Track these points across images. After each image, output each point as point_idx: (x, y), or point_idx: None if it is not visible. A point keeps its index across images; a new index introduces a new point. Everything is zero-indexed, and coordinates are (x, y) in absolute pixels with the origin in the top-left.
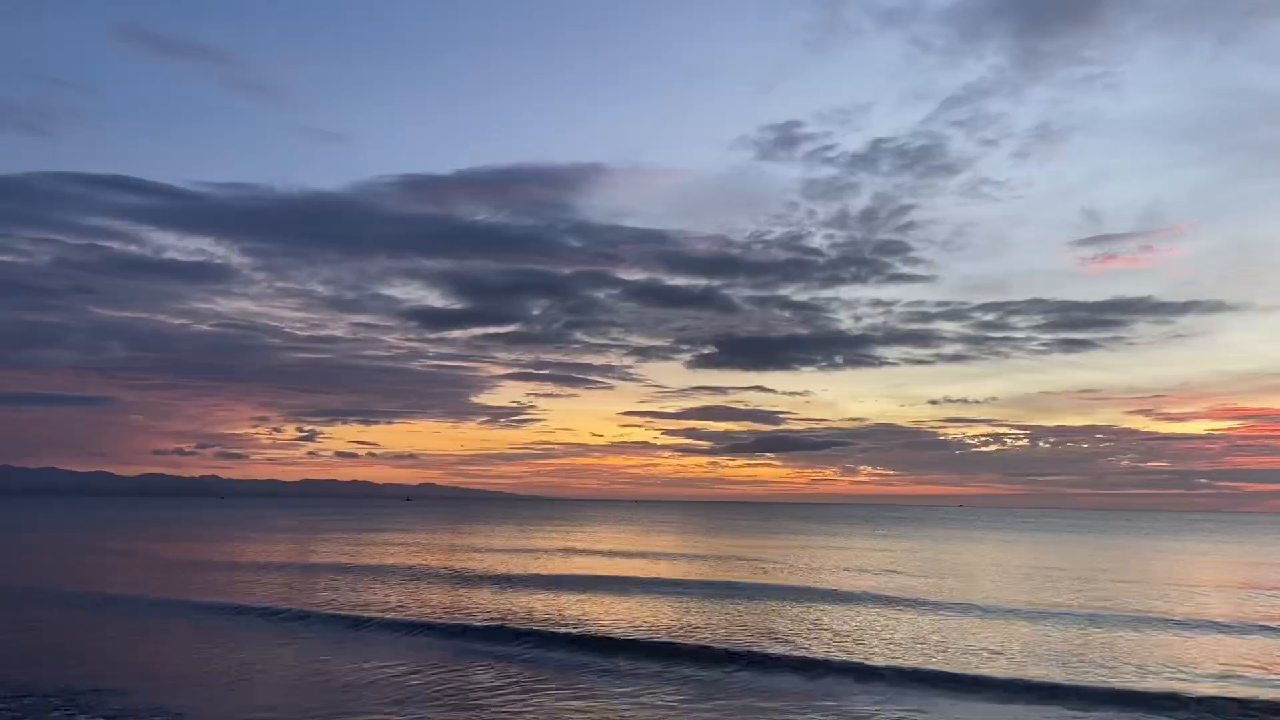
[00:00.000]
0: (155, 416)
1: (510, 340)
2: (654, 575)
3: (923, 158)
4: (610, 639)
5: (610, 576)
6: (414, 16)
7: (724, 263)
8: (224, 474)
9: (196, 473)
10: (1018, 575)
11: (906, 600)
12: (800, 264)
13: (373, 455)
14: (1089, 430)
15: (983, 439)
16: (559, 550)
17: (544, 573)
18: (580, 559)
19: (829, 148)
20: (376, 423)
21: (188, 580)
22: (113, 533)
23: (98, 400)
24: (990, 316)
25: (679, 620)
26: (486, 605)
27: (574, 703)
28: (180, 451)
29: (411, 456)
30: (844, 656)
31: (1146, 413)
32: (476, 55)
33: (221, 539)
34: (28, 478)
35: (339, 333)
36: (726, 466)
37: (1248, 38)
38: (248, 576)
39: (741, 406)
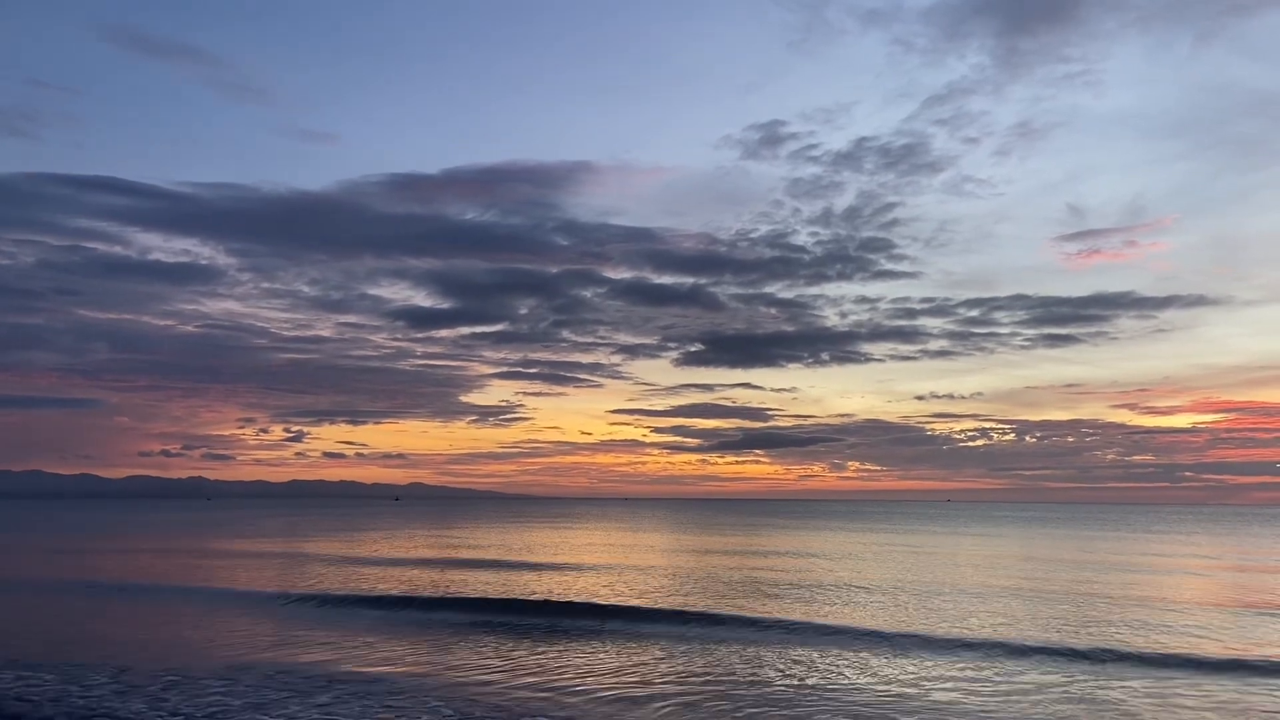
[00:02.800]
0: (141, 418)
1: (498, 339)
2: (618, 599)
3: (906, 156)
4: None
5: (565, 603)
6: (400, 17)
7: (710, 260)
8: (211, 475)
9: (183, 474)
10: (1019, 594)
11: (913, 637)
12: (786, 261)
13: (360, 455)
14: (1074, 424)
15: (969, 434)
16: (525, 565)
17: (495, 595)
18: (542, 577)
19: (813, 147)
20: (364, 423)
21: None
22: None
23: (82, 402)
24: (975, 312)
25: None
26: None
27: None
28: (166, 453)
29: (400, 456)
30: None
31: (1131, 406)
32: (463, 55)
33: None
34: (12, 481)
35: (326, 333)
36: (715, 463)
37: (1226, 35)
38: None
39: (729, 403)
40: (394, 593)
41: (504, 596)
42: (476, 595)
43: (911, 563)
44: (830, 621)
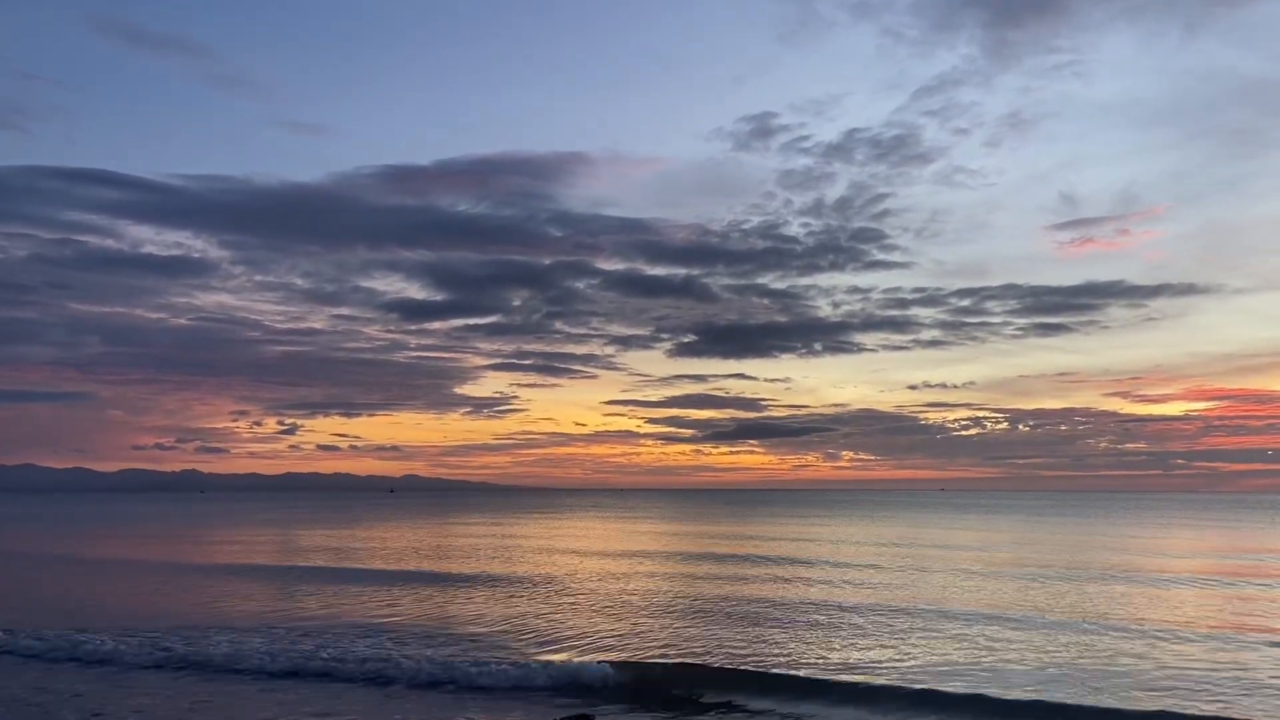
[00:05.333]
0: (134, 412)
1: (491, 331)
2: (581, 632)
3: (897, 147)
4: None
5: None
6: (392, 8)
7: (702, 252)
8: (205, 468)
9: (177, 467)
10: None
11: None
12: (778, 252)
13: (354, 448)
14: (1067, 413)
15: (963, 423)
16: (483, 580)
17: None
18: (501, 605)
19: (804, 138)
20: (358, 415)
21: None
22: None
23: (75, 396)
24: (966, 302)
25: None
26: None
27: None
28: (160, 446)
29: (394, 448)
30: None
31: (1124, 395)
32: (455, 46)
33: None
34: (3, 476)
35: (319, 325)
36: (709, 454)
37: (1216, 25)
38: None
39: (723, 394)
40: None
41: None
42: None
43: (916, 574)
44: (824, 675)
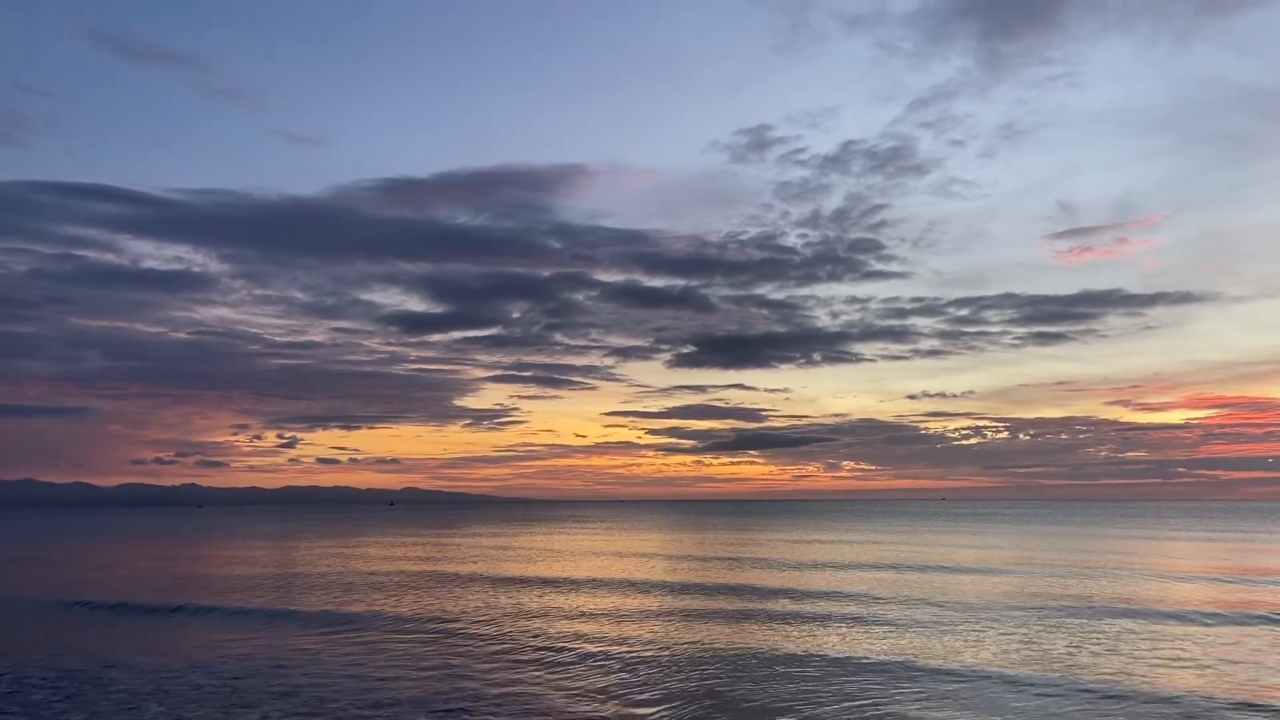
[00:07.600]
0: (134, 426)
1: (491, 343)
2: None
3: (892, 159)
4: None
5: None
6: (390, 20)
7: (701, 263)
8: (204, 482)
9: (176, 481)
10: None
11: None
12: (776, 263)
13: (354, 461)
14: (1068, 422)
15: (963, 432)
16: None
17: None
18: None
19: (800, 150)
20: (358, 428)
21: None
22: None
23: (75, 411)
24: (964, 311)
25: None
26: None
27: None
28: (160, 461)
29: (394, 461)
30: None
31: (1124, 403)
32: (453, 59)
33: None
34: (4, 490)
35: (319, 338)
36: (710, 465)
37: (1207, 33)
38: None
39: (723, 405)
40: None
41: None
42: None
43: (938, 610)
44: None
